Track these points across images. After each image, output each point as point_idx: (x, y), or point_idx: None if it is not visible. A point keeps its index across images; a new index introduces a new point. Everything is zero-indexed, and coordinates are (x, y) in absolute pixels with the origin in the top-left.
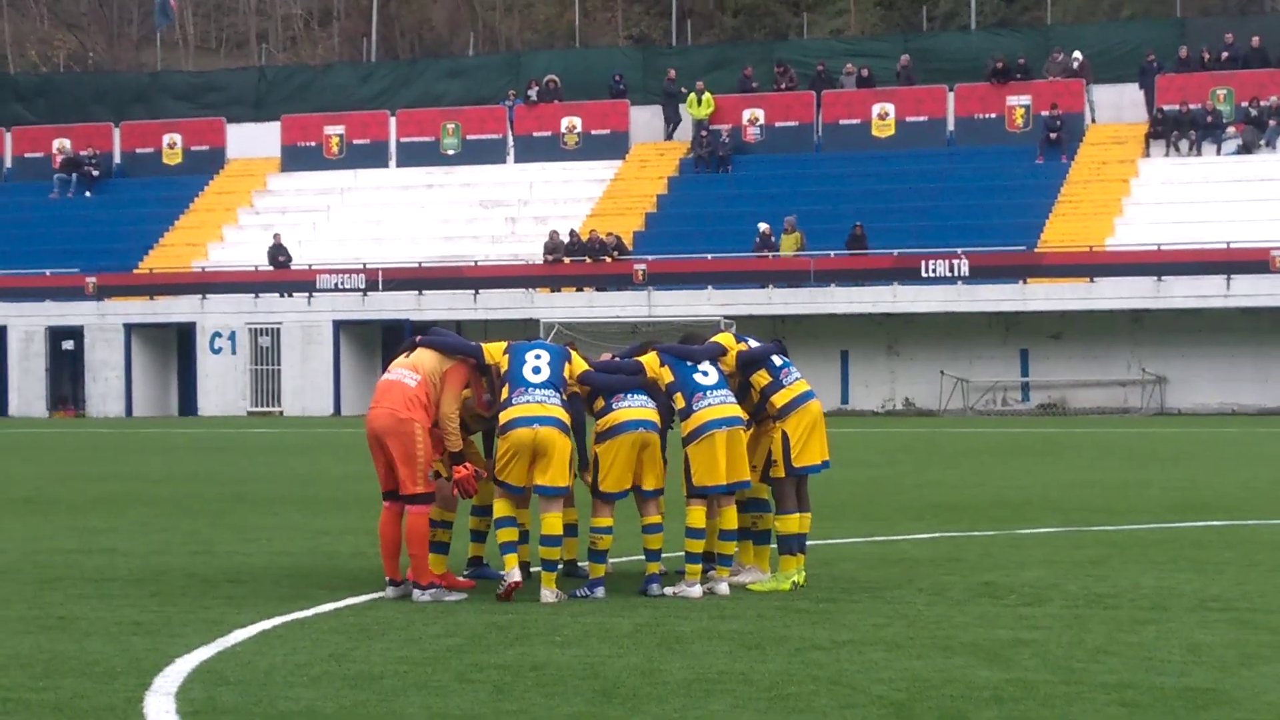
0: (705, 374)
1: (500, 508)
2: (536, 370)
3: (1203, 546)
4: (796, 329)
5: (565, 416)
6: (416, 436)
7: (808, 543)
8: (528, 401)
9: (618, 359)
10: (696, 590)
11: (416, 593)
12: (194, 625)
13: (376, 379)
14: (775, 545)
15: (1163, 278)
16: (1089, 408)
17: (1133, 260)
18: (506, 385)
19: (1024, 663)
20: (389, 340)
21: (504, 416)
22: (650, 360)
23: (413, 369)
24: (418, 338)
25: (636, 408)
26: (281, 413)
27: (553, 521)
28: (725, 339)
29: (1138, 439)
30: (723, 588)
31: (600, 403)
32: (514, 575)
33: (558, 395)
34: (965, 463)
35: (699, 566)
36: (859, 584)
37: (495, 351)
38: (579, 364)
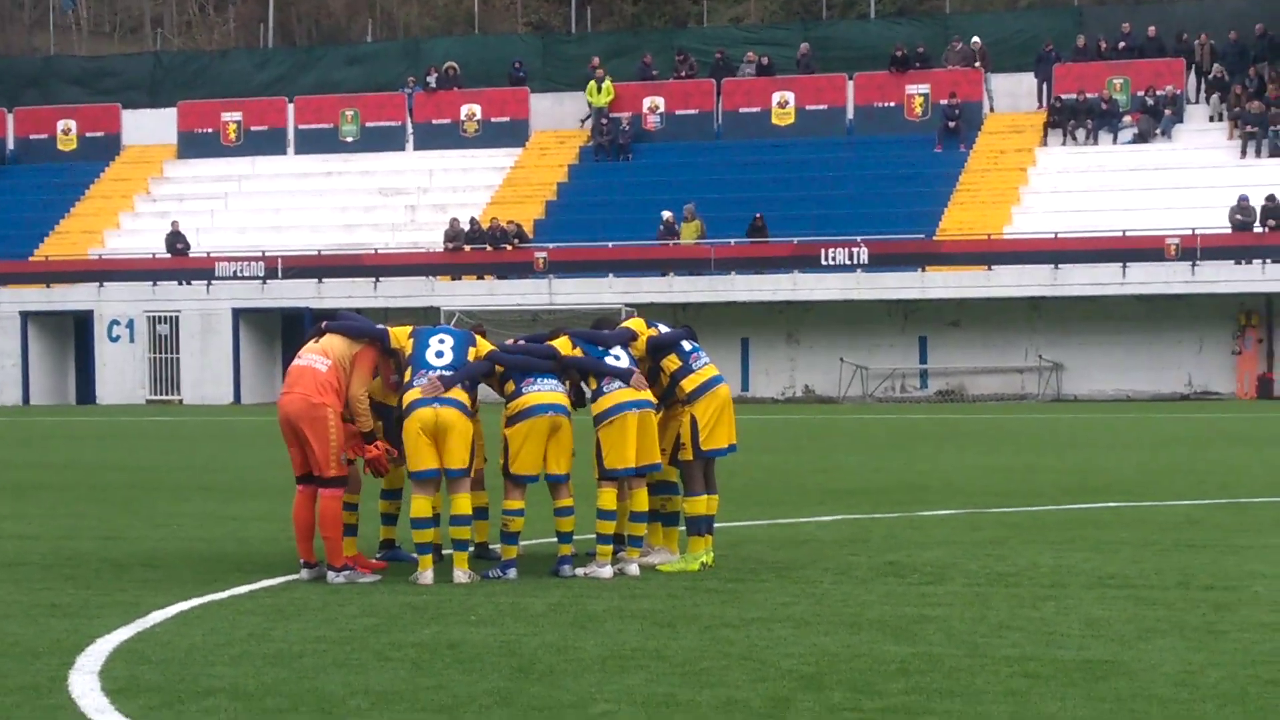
0: (617, 358)
1: (418, 506)
2: (439, 354)
3: (1100, 527)
4: (697, 317)
5: (466, 398)
6: (329, 421)
7: (715, 525)
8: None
9: (523, 344)
10: (607, 571)
11: (331, 574)
12: (111, 607)
13: (276, 367)
14: (683, 527)
15: (1060, 266)
16: (987, 394)
17: (1030, 248)
18: (409, 368)
19: (929, 637)
20: (289, 328)
21: (405, 399)
22: (563, 343)
23: (323, 354)
24: (324, 323)
25: (547, 391)
26: (181, 401)
27: (461, 502)
28: (636, 324)
29: (1035, 424)
30: (633, 568)
31: (510, 386)
32: (426, 578)
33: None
34: (866, 449)
35: (609, 548)
36: (766, 564)
37: (400, 335)
38: (484, 346)
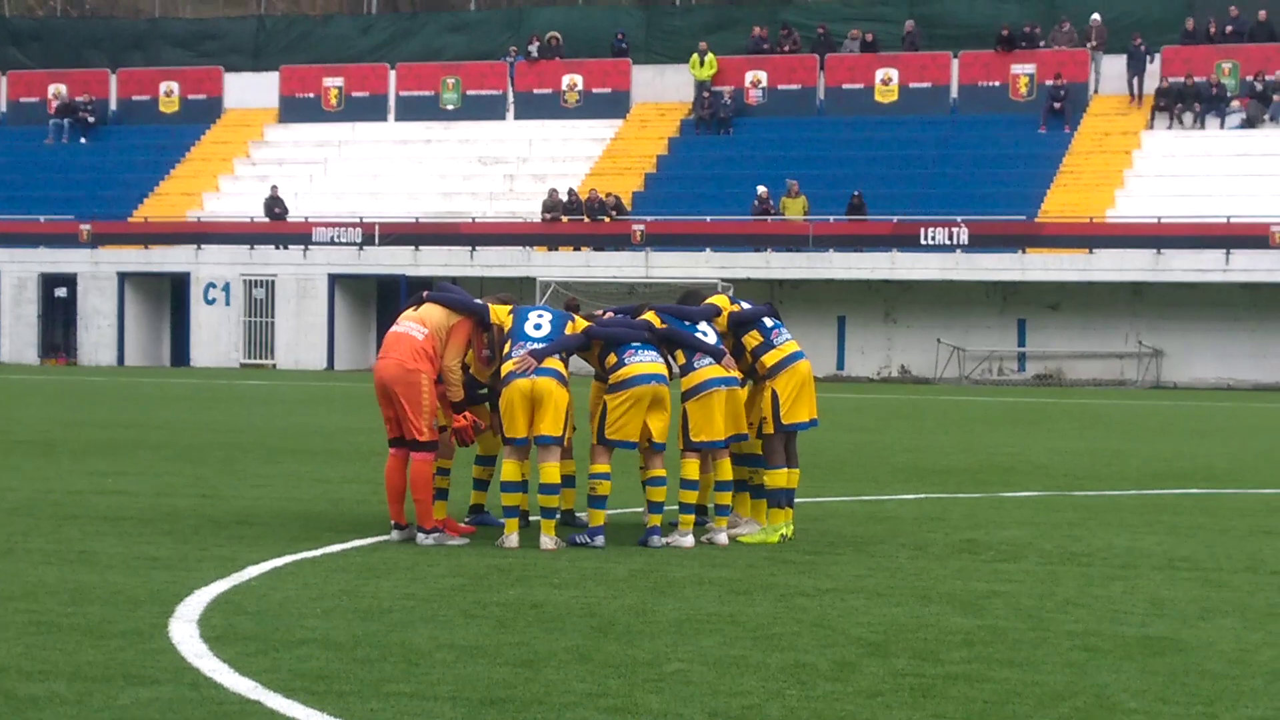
0: (704, 334)
1: (509, 470)
2: (538, 327)
3: (1178, 512)
4: (794, 294)
5: (563, 369)
6: (423, 386)
7: (796, 499)
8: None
9: (614, 315)
10: (689, 540)
11: (421, 536)
12: (209, 561)
13: (371, 334)
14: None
15: (1162, 251)
16: (1085, 379)
17: (1133, 232)
18: (508, 341)
19: (995, 611)
20: (384, 295)
21: (504, 369)
22: (650, 318)
23: (420, 322)
24: (425, 293)
25: (649, 362)
26: (274, 365)
27: (551, 470)
28: (720, 300)
29: (1130, 410)
30: (721, 538)
31: (612, 358)
32: (512, 541)
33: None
34: (956, 429)
35: (692, 517)
36: (845, 539)
37: (501, 312)
38: (581, 324)
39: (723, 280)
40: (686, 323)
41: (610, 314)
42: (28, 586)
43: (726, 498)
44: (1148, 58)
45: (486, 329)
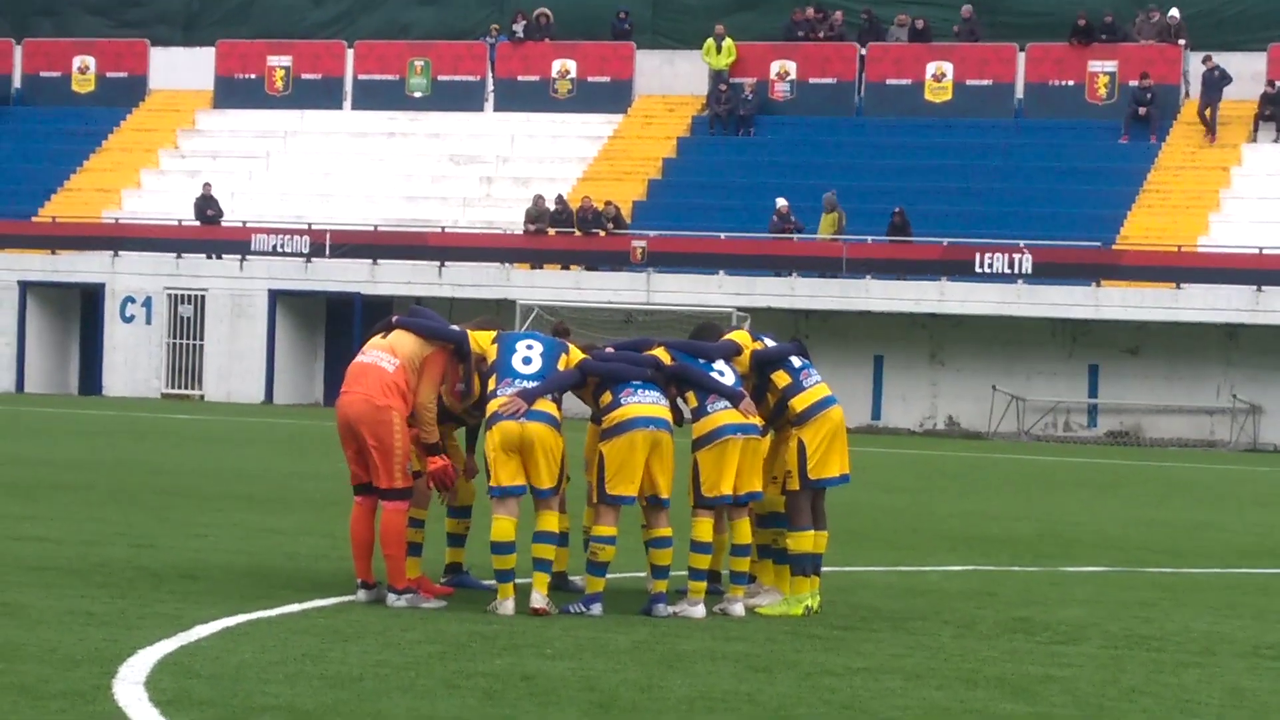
0: (721, 374)
1: (499, 528)
2: (527, 360)
3: (1270, 594)
4: (822, 328)
5: (557, 411)
6: (394, 426)
7: (823, 567)
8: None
9: (619, 351)
10: (699, 610)
11: (391, 597)
12: (151, 619)
13: (318, 362)
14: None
15: (1264, 288)
16: (1168, 438)
17: (1229, 265)
18: (494, 376)
19: (1051, 698)
20: (335, 317)
21: (489, 409)
22: (660, 354)
23: (390, 352)
24: (395, 318)
25: (649, 404)
26: (202, 396)
27: (549, 519)
28: (740, 336)
29: (1219, 476)
30: (737, 608)
31: (607, 397)
32: (507, 607)
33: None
34: (1013, 492)
35: (703, 584)
36: (879, 613)
37: (483, 340)
38: (576, 355)
39: (738, 310)
40: (701, 360)
41: (610, 350)
42: None
43: (744, 563)
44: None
45: (464, 359)
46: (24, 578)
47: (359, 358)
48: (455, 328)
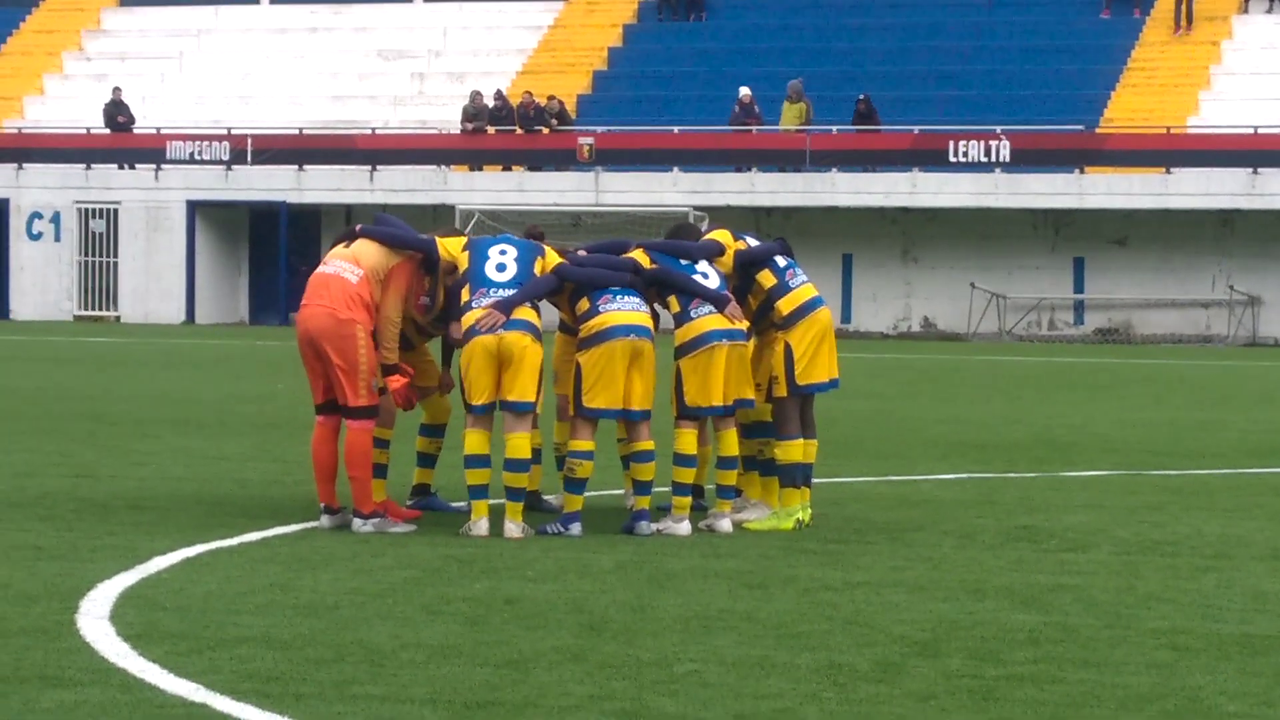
0: (705, 276)
1: (473, 442)
2: (501, 268)
3: None
4: (786, 225)
5: (536, 318)
6: (359, 340)
7: (814, 478)
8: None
9: (595, 255)
10: (685, 527)
11: (357, 522)
12: (104, 551)
13: (242, 277)
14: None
15: (1260, 170)
16: (1161, 334)
17: (1222, 146)
18: (467, 285)
19: (1065, 607)
20: (259, 228)
21: (465, 321)
22: (638, 257)
23: (354, 262)
24: (358, 227)
25: (629, 310)
26: (118, 318)
27: (520, 443)
28: (721, 235)
29: (1219, 373)
30: (724, 524)
31: (584, 304)
32: (481, 528)
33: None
34: (999, 396)
35: (688, 499)
36: (874, 525)
37: (453, 247)
38: (554, 259)
39: (695, 209)
40: (683, 261)
41: (583, 252)
42: None
43: (731, 476)
44: None
45: (431, 270)
46: None
47: (320, 268)
48: (423, 236)
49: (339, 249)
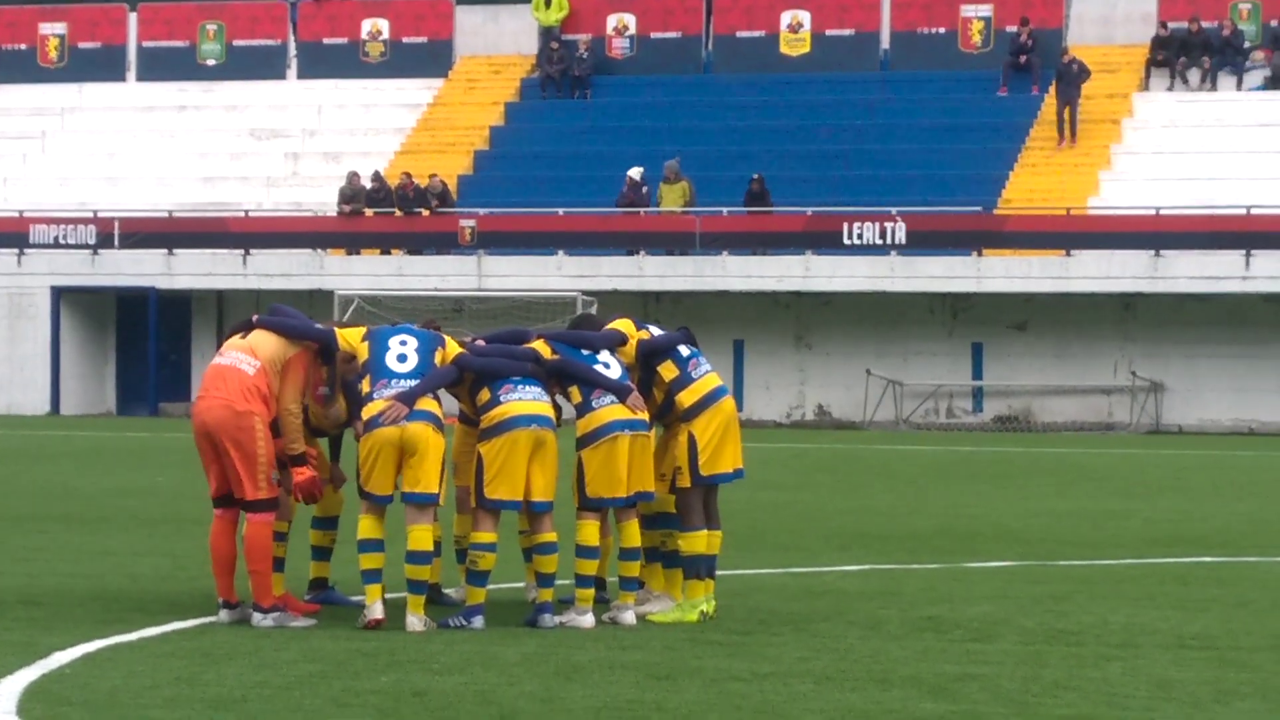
0: (606, 366)
1: (366, 526)
2: (402, 358)
3: (1187, 583)
4: (675, 310)
5: (438, 409)
6: (257, 432)
7: (717, 569)
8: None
9: (495, 345)
10: (588, 619)
11: (257, 616)
12: (3, 647)
13: (109, 366)
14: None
15: (1162, 252)
16: (1062, 422)
17: (1123, 229)
18: (368, 377)
19: (972, 696)
20: (127, 315)
21: (366, 412)
22: (539, 347)
23: (250, 353)
24: (255, 318)
25: (530, 400)
26: None
27: (422, 535)
28: (624, 325)
29: (1122, 462)
30: (628, 616)
31: (485, 394)
32: (375, 611)
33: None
34: (898, 486)
35: (591, 591)
36: (779, 616)
37: (352, 338)
38: (454, 349)
39: (583, 294)
40: (584, 351)
41: (481, 343)
42: None
43: (634, 568)
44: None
45: (329, 360)
46: None
47: (216, 360)
48: (320, 326)
49: (235, 340)
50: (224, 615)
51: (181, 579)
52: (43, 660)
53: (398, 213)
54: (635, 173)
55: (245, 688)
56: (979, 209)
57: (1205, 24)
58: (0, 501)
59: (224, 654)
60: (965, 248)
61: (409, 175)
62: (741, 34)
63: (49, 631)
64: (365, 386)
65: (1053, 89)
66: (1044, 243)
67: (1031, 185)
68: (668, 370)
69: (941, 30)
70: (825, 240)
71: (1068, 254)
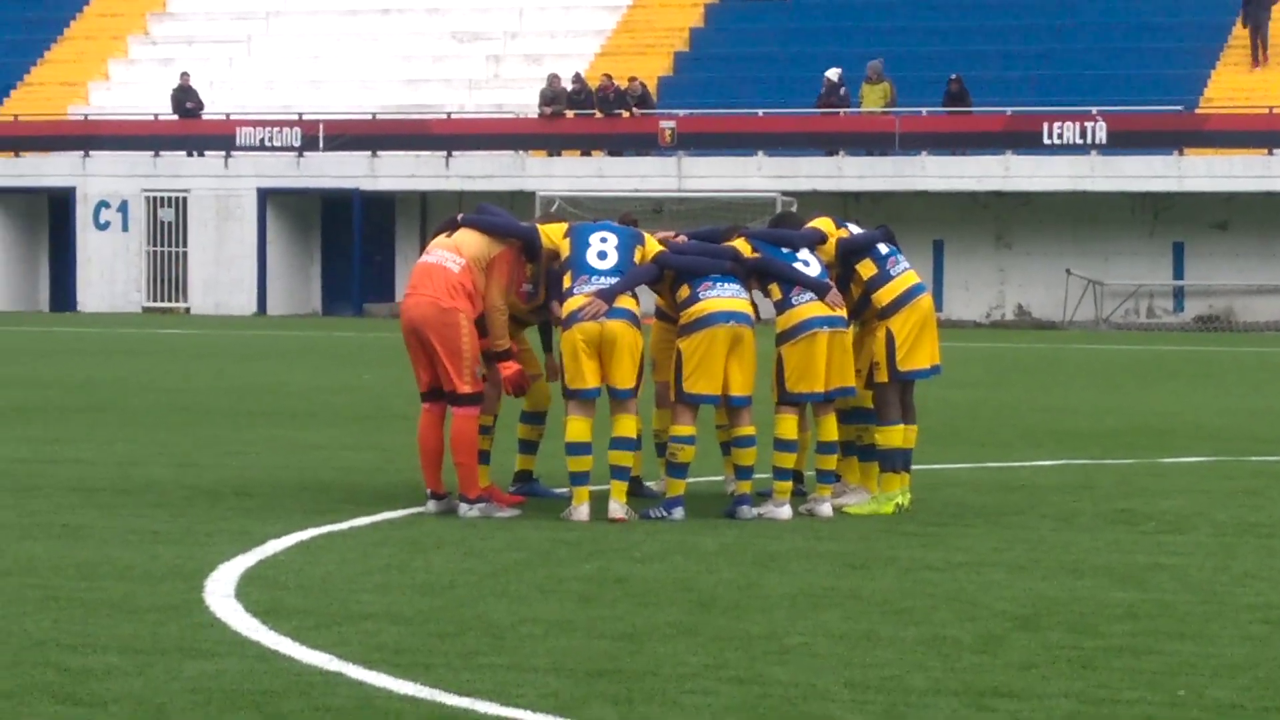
0: (805, 264)
1: (575, 429)
2: (603, 255)
3: None
4: (875, 210)
5: (636, 307)
6: (462, 328)
7: (912, 463)
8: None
9: (695, 242)
10: (785, 511)
11: (464, 507)
12: (219, 535)
13: (315, 267)
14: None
15: None
16: (1263, 321)
17: None
18: (569, 273)
19: (1161, 585)
20: (332, 217)
21: (567, 307)
22: (740, 245)
23: (455, 251)
24: (460, 216)
25: (729, 297)
26: (188, 310)
27: (627, 423)
28: (824, 223)
29: None
30: (825, 508)
31: (684, 290)
32: (582, 512)
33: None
34: (1097, 385)
35: (789, 484)
36: (972, 509)
37: (554, 234)
38: (653, 246)
39: (782, 194)
40: (784, 249)
41: (684, 239)
42: (20, 561)
43: (831, 461)
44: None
45: (533, 258)
46: (74, 499)
47: (423, 258)
48: (525, 224)
49: (441, 238)
50: (431, 506)
51: (389, 471)
52: (258, 547)
53: (598, 114)
54: (833, 73)
55: (453, 574)
56: (1180, 108)
57: None
58: (209, 399)
59: (432, 543)
60: (1166, 147)
61: (609, 77)
62: None
63: (263, 521)
64: (566, 281)
65: (1240, 15)
66: (1246, 142)
67: (1233, 83)
68: (866, 268)
69: None
70: (1025, 140)
71: (1270, 153)
